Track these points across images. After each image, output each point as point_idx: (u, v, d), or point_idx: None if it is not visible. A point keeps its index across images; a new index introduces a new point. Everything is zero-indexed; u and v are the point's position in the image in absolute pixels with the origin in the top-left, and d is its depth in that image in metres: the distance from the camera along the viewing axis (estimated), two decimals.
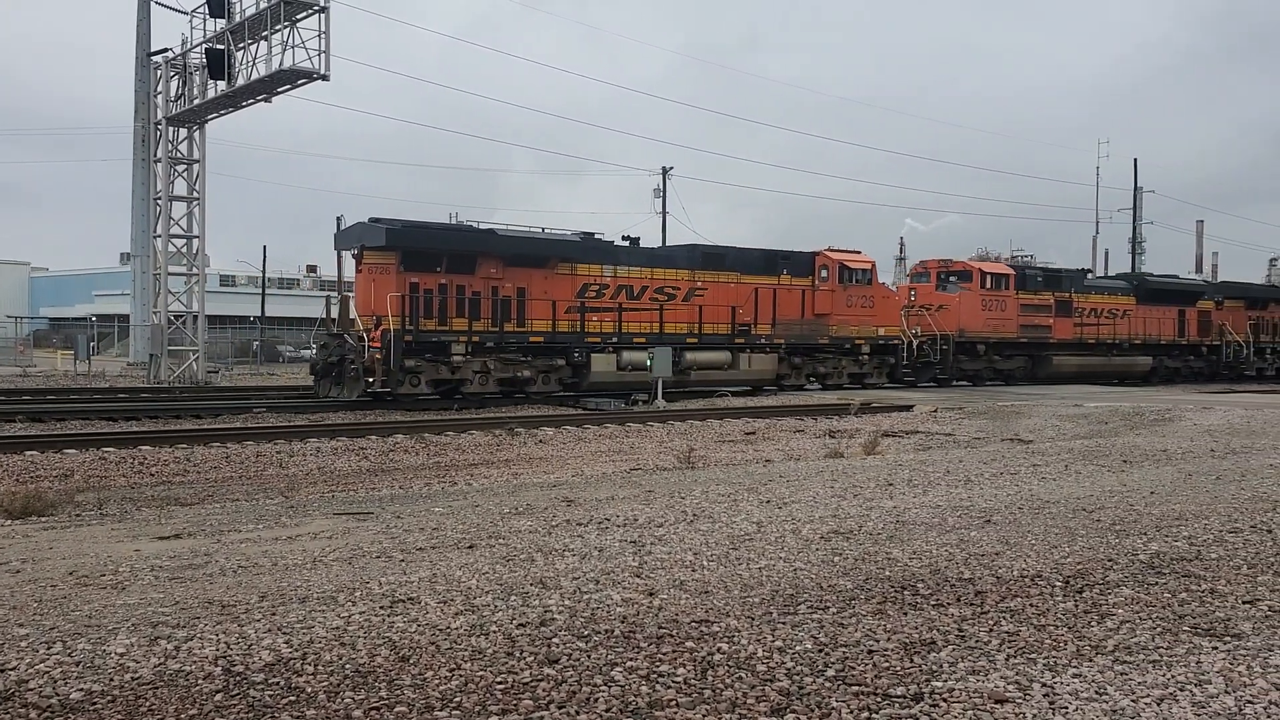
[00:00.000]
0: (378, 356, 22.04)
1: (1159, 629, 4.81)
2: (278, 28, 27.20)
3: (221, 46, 28.37)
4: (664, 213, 55.87)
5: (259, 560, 6.52)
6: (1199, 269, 71.43)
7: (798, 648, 4.48)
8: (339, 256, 25.58)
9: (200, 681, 4.02)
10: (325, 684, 4.01)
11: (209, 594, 5.49)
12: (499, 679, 4.07)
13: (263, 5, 27.31)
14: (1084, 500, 8.66)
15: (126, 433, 17.16)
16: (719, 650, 4.44)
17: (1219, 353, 40.54)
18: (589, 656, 4.34)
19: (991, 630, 4.77)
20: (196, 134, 31.36)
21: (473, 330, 23.59)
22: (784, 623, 4.87)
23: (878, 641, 4.58)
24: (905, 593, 5.45)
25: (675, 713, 3.76)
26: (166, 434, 16.85)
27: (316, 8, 26.53)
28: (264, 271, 64.60)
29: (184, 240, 32.02)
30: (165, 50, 32.19)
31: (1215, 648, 4.53)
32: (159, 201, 31.69)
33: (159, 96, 31.80)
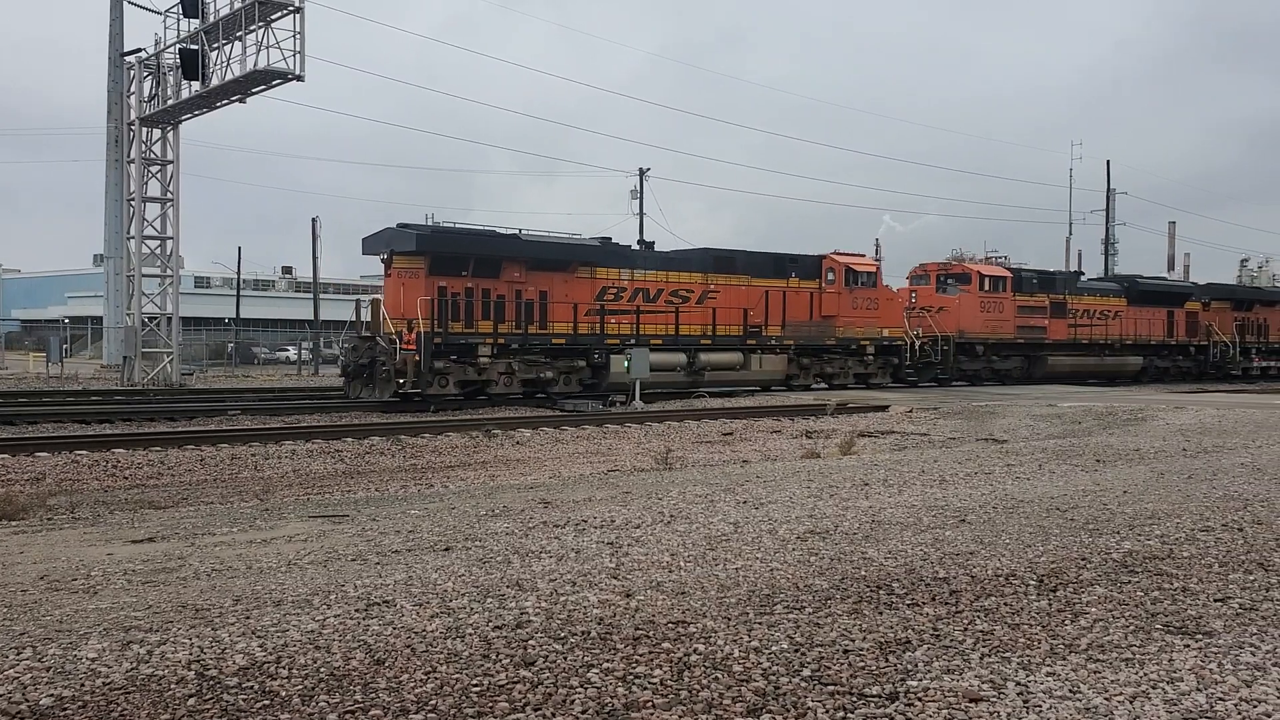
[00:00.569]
0: (415, 359, 22.45)
1: (1132, 627, 4.85)
2: (252, 28, 27.07)
3: (195, 47, 28.21)
4: (641, 214, 55.88)
5: (233, 563, 6.48)
6: (1171, 269, 72.05)
7: (774, 648, 4.49)
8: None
9: (173, 686, 3.99)
10: (300, 687, 3.99)
11: (182, 598, 5.45)
12: (475, 681, 4.05)
13: (237, 5, 27.16)
14: (1058, 499, 8.71)
15: (99, 436, 17.02)
16: (695, 651, 4.44)
17: (1206, 353, 41.33)
18: (565, 658, 4.33)
19: (966, 629, 4.80)
20: (170, 135, 31.15)
21: (498, 332, 24.15)
22: (760, 623, 4.88)
23: (853, 641, 4.60)
24: (881, 592, 5.47)
25: (651, 714, 3.76)
26: (140, 437, 16.72)
27: (291, 8, 26.40)
28: (239, 273, 64.22)
29: (158, 242, 31.79)
30: (138, 50, 31.96)
31: (1187, 645, 4.56)
32: (132, 202, 31.45)
33: (132, 97, 31.57)
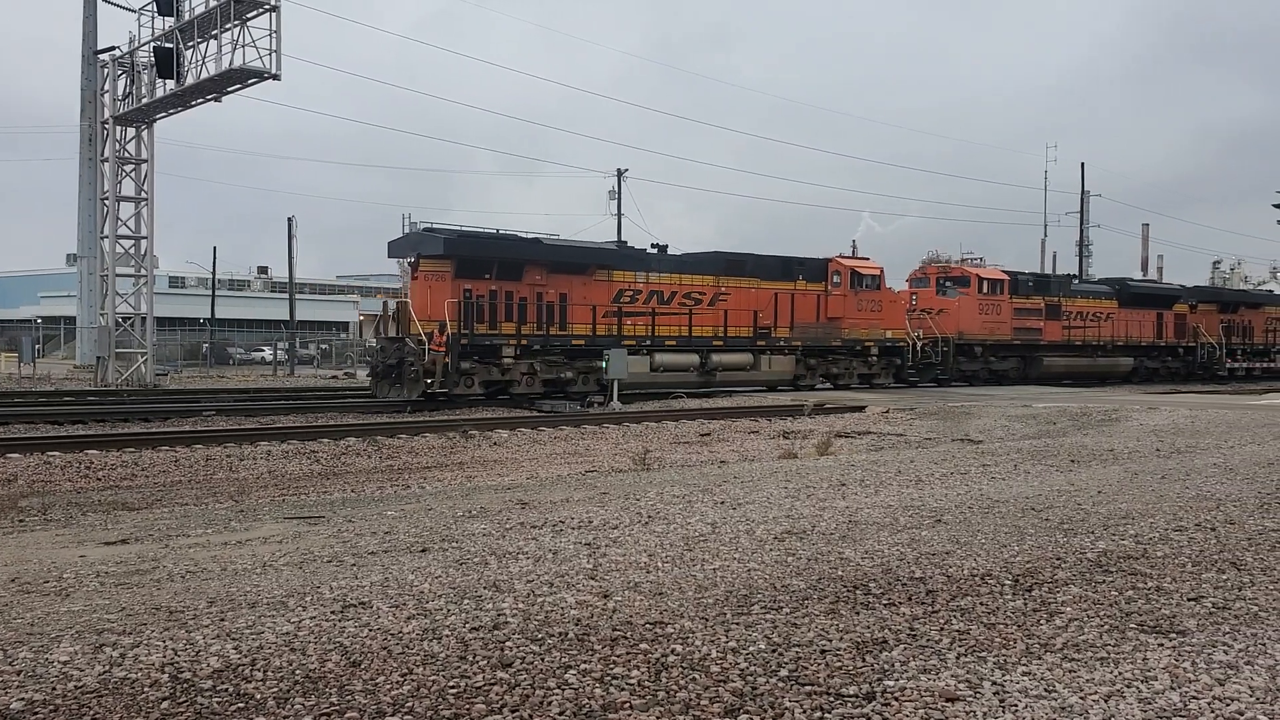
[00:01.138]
0: (444, 360, 23.20)
1: (1106, 626, 4.88)
2: (228, 26, 26.90)
3: (170, 45, 28.01)
4: (619, 214, 55.93)
5: (208, 565, 6.43)
6: (1144, 271, 72.64)
7: (751, 648, 4.49)
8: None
9: (146, 689, 3.96)
10: (275, 690, 3.96)
11: (156, 600, 5.41)
12: (451, 683, 4.04)
13: (212, 3, 26.99)
14: (1033, 499, 8.76)
15: (72, 436, 16.87)
16: (673, 651, 4.44)
17: (1194, 354, 42.21)
18: (543, 659, 4.32)
19: (942, 629, 4.81)
20: (145, 133, 30.92)
21: (521, 334, 24.86)
22: (738, 623, 4.88)
23: (830, 641, 4.60)
24: (858, 592, 5.48)
25: (629, 715, 3.75)
26: (114, 438, 16.60)
27: (267, 6, 26.26)
28: (214, 273, 63.80)
29: (132, 241, 31.55)
30: (112, 48, 31.74)
31: (1161, 645, 4.59)
32: (106, 202, 31.21)
33: (106, 95, 31.32)
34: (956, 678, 4.13)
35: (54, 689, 3.96)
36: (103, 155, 31.40)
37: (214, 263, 63.23)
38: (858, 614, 5.06)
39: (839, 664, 4.30)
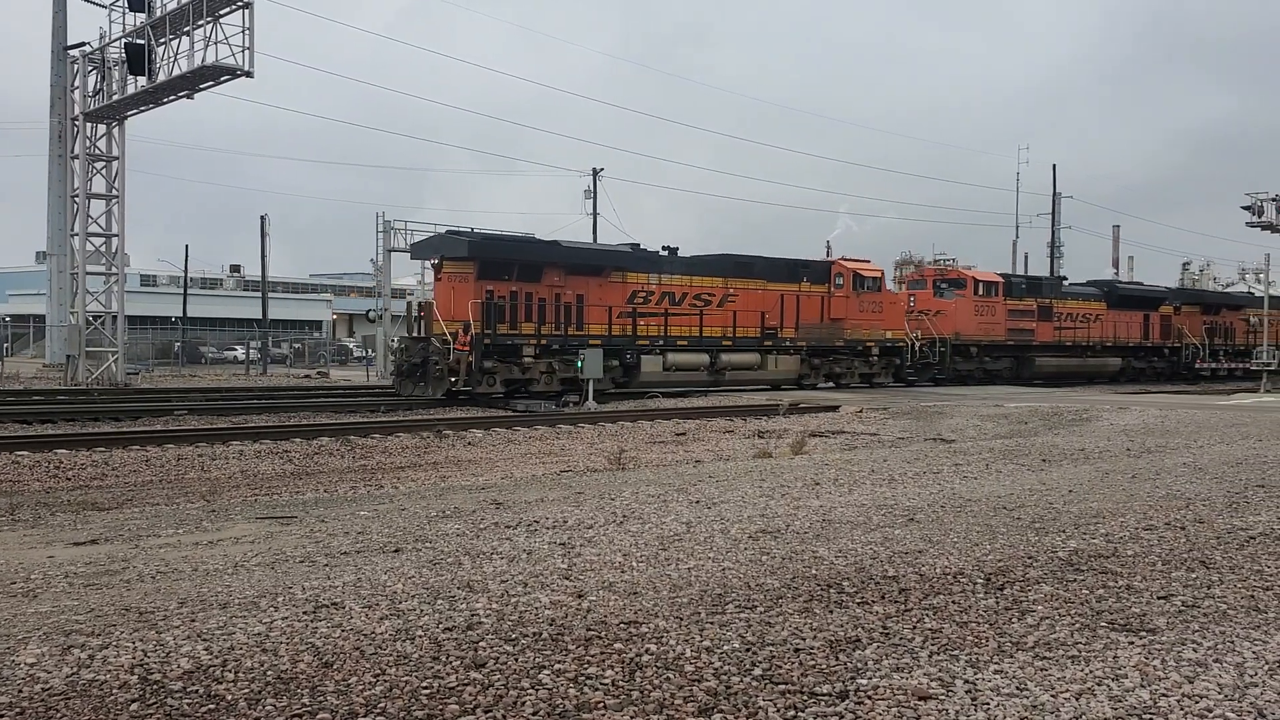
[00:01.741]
0: (468, 359, 23.89)
1: (1077, 625, 4.91)
2: (200, 23, 26.67)
3: (141, 41, 27.74)
4: (594, 214, 55.84)
5: (179, 566, 6.38)
6: (1116, 272, 73.15)
7: (725, 647, 4.50)
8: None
9: (115, 691, 3.92)
10: (246, 691, 3.93)
11: (126, 601, 5.36)
12: (424, 684, 4.02)
13: (184, 0, 26.75)
14: (1005, 499, 8.82)
15: (41, 436, 16.70)
16: (647, 651, 4.44)
17: (1179, 354, 43.14)
18: (516, 660, 4.31)
19: (915, 627, 4.83)
20: (115, 130, 30.62)
21: (540, 334, 25.56)
22: (712, 622, 4.88)
23: (804, 640, 4.62)
24: (831, 591, 5.50)
25: (603, 715, 3.75)
26: (84, 437, 16.44)
27: (240, 3, 26.06)
28: (186, 271, 63.30)
29: (103, 239, 31.24)
30: (83, 44, 31.38)
31: (1131, 643, 4.63)
32: (76, 199, 30.88)
33: (76, 91, 30.98)
34: (929, 676, 4.15)
35: (20, 691, 3.91)
36: (73, 152, 31.07)
37: (186, 261, 62.75)
38: (831, 613, 5.08)
39: (813, 663, 4.31)
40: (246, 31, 26.08)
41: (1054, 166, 69.74)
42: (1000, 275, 37.88)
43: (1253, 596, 5.46)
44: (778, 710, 3.78)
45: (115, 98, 29.45)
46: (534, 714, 3.74)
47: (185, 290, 62.53)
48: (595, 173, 56.30)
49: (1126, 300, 42.02)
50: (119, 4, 29.02)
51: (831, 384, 31.65)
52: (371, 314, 43.89)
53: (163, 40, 27.70)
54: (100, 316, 31.41)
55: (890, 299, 33.76)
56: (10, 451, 14.52)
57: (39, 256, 62.30)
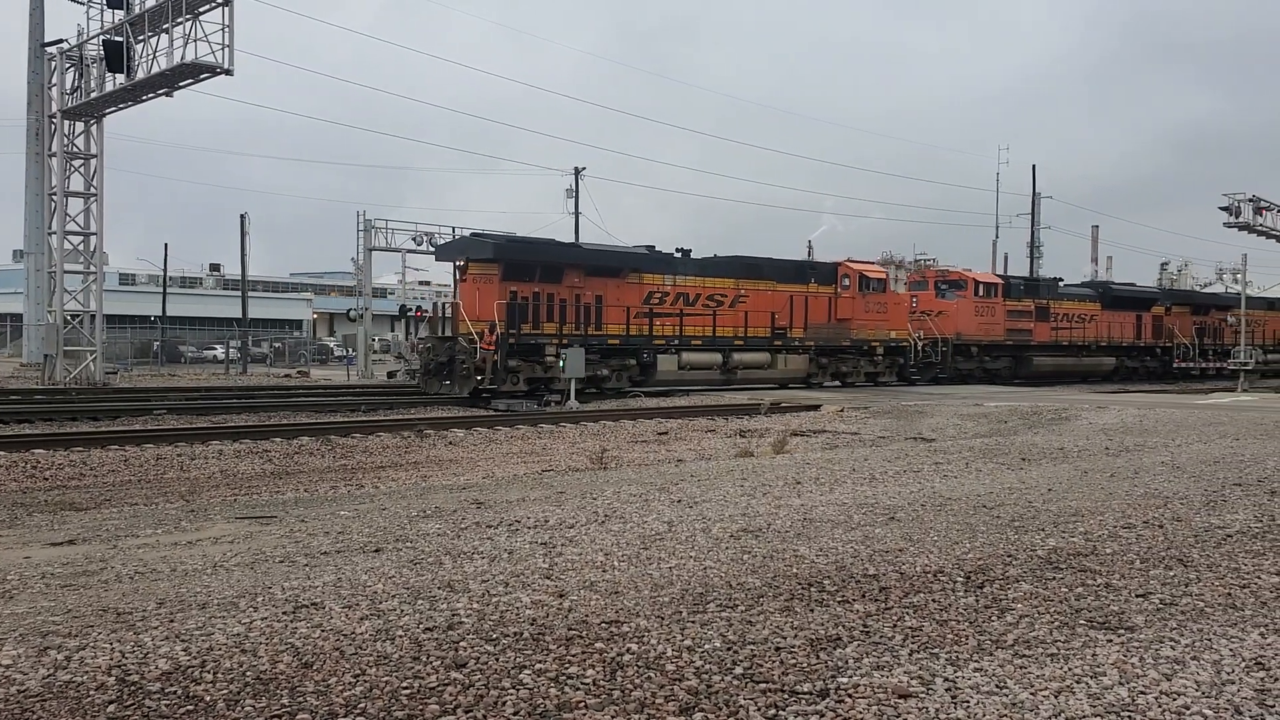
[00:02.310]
0: (494, 358, 24.47)
1: (1056, 623, 4.93)
2: (179, 20, 26.49)
3: (120, 38, 27.55)
4: (576, 213, 55.80)
5: (157, 566, 6.34)
6: (1095, 273, 73.61)
7: (707, 646, 4.50)
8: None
9: (92, 692, 3.89)
10: (225, 692, 3.91)
11: (104, 601, 5.32)
12: (405, 684, 4.01)
13: None
14: (984, 497, 8.85)
15: (18, 436, 16.57)
16: (628, 650, 4.44)
17: (1170, 354, 43.79)
18: (497, 660, 4.30)
19: (895, 626, 4.85)
20: (94, 128, 30.42)
21: (562, 333, 26.02)
22: (693, 621, 4.89)
23: (785, 639, 4.62)
24: (812, 590, 5.51)
25: (584, 714, 3.74)
26: (61, 437, 16.32)
27: (219, 1, 25.91)
28: (165, 270, 62.92)
29: (81, 237, 31.02)
30: (60, 41, 31.14)
31: (1110, 640, 4.65)
32: (54, 197, 30.66)
33: (54, 89, 30.77)
34: (909, 674, 4.16)
35: None
36: (50, 150, 30.85)
37: (165, 259, 62.36)
38: (812, 611, 5.09)
39: (794, 661, 4.32)
40: (226, 29, 25.94)
41: (1033, 167, 69.96)
42: (1000, 276, 38.84)
43: (1230, 594, 5.50)
44: (759, 709, 3.79)
45: (93, 95, 29.26)
46: (515, 714, 3.74)
47: (164, 289, 62.13)
48: (577, 171, 56.29)
49: (1120, 301, 42.83)
50: (97, 1, 28.81)
51: (838, 383, 32.38)
52: (352, 313, 43.80)
53: (141, 37, 27.52)
54: (78, 315, 31.20)
55: (894, 300, 34.40)
56: None
57: (16, 255, 61.84)
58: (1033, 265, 64.62)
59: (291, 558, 6.52)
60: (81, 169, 30.70)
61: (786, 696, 3.91)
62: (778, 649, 4.47)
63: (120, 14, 28.02)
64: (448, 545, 6.85)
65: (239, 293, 56.93)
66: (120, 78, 28.00)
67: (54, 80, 30.75)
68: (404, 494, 10.34)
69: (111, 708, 3.75)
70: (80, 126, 30.47)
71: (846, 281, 32.47)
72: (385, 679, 4.06)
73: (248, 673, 4.12)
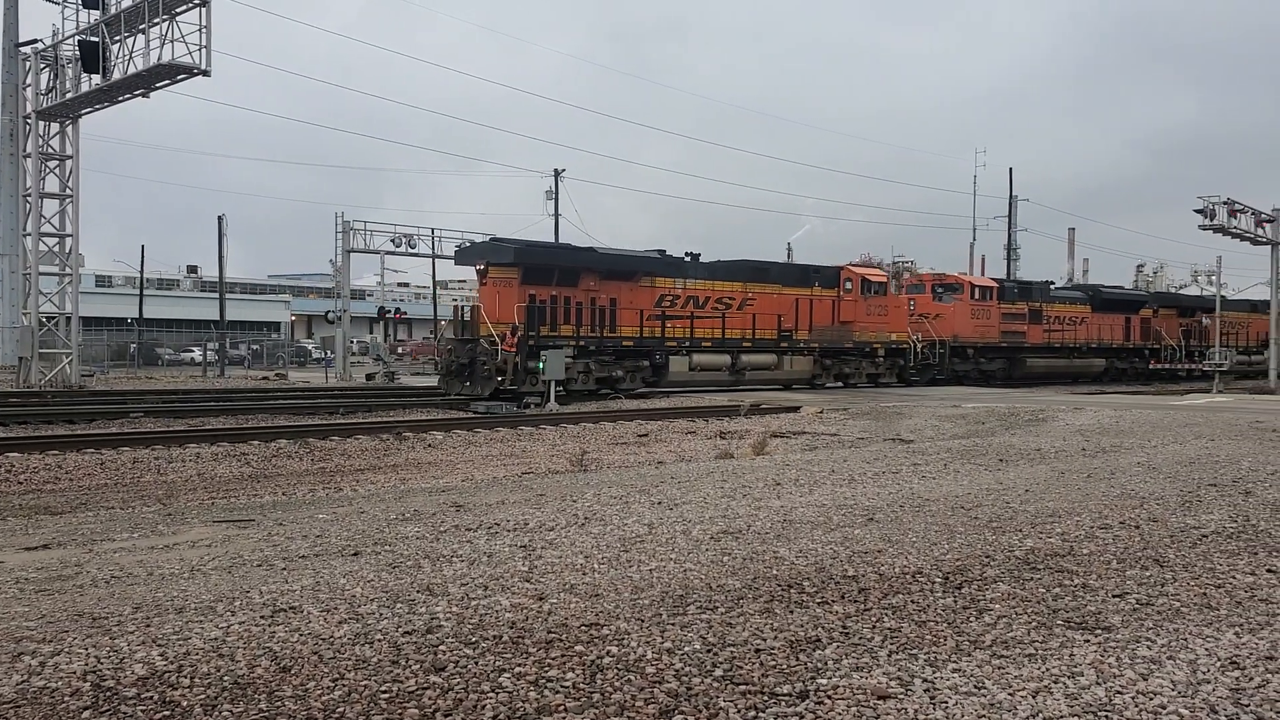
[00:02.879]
0: (515, 359, 25.06)
1: (1034, 623, 4.96)
2: (156, 20, 26.28)
3: (96, 39, 27.33)
4: (556, 215, 55.77)
5: (134, 570, 6.30)
6: (1071, 276, 74.05)
7: (687, 648, 4.50)
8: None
9: (67, 698, 3.86)
10: (202, 697, 3.88)
11: (79, 606, 5.28)
12: (384, 688, 3.99)
13: None
14: (962, 498, 8.89)
15: None
16: (608, 653, 4.43)
17: (1158, 355, 44.89)
18: (476, 663, 4.29)
19: (874, 627, 4.86)
20: (69, 129, 30.14)
21: (579, 335, 26.81)
22: (673, 624, 4.89)
23: (765, 640, 4.63)
24: (792, 591, 5.51)
25: (563, 717, 3.74)
26: (36, 440, 16.17)
27: (196, 1, 25.75)
28: (141, 272, 62.52)
29: (56, 239, 30.72)
30: (35, 41, 30.84)
31: (1087, 640, 4.68)
32: (29, 199, 30.34)
33: (28, 89, 30.43)
34: (888, 675, 4.18)
35: None
36: (25, 151, 30.53)
37: (142, 261, 62.02)
38: (792, 613, 5.10)
39: (773, 663, 4.32)
40: (203, 30, 25.77)
41: (1010, 170, 70.73)
42: (994, 280, 39.73)
43: (1205, 594, 5.54)
44: (738, 711, 3.79)
45: (69, 96, 28.99)
46: (494, 717, 3.73)
47: (141, 291, 61.75)
48: (557, 173, 56.25)
49: (1109, 304, 43.82)
50: (72, 1, 28.58)
51: (840, 383, 33.21)
52: (330, 315, 43.59)
53: (117, 38, 27.30)
54: (54, 318, 30.91)
55: (894, 303, 35.50)
56: None
57: None
58: (1009, 267, 64.99)
59: (269, 561, 6.49)
60: (57, 170, 30.43)
61: (766, 698, 3.92)
62: (757, 651, 4.48)
63: (96, 14, 27.78)
64: (427, 548, 6.83)
65: (216, 295, 56.63)
66: (96, 78, 27.74)
67: (28, 81, 30.44)
68: (382, 497, 10.31)
69: (87, 714, 3.72)
70: (55, 127, 30.20)
71: (849, 285, 33.40)
72: (364, 683, 4.04)
73: (225, 677, 4.09)
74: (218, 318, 54.44)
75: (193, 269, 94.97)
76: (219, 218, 53.32)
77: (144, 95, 28.34)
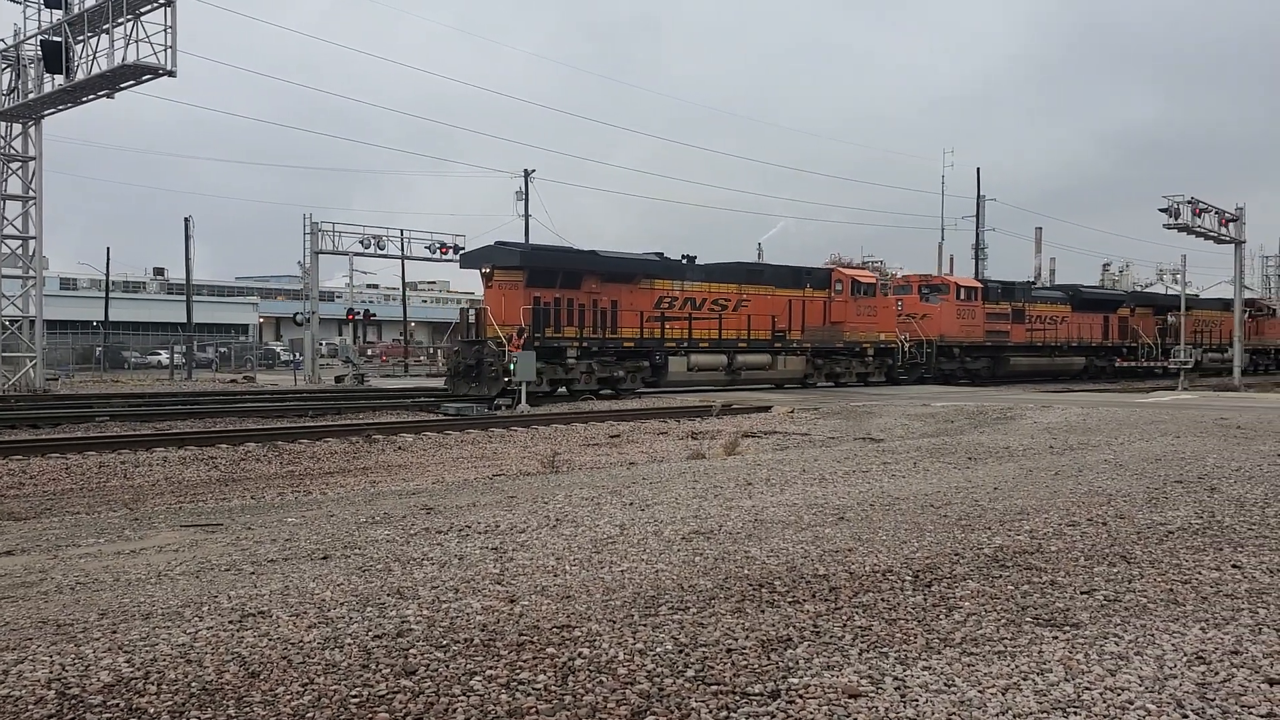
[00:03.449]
0: None
1: (1003, 620, 4.99)
2: (120, 20, 26.02)
3: (59, 39, 27.02)
4: (526, 215, 55.62)
5: (100, 576, 6.23)
6: (1038, 275, 74.61)
7: (658, 649, 4.50)
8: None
9: (31, 707, 3.81)
10: (169, 704, 3.84)
11: (43, 613, 5.21)
12: (354, 692, 3.97)
13: None
14: (932, 496, 8.94)
15: None
16: (580, 655, 4.42)
17: (1135, 353, 45.89)
18: (447, 666, 4.27)
19: (845, 625, 4.88)
20: (32, 130, 29.80)
21: (582, 337, 27.42)
22: (645, 624, 4.88)
23: (736, 640, 4.63)
24: (763, 591, 5.52)
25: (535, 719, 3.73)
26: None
27: (160, 1, 25.51)
28: (107, 274, 61.88)
29: (19, 241, 30.35)
30: None
31: (1055, 637, 4.72)
32: None
33: None
34: (859, 674, 4.19)
35: None
36: None
37: (107, 263, 61.40)
38: (763, 612, 5.11)
39: (745, 663, 4.33)
40: (168, 30, 25.53)
41: (978, 170, 71.30)
42: (979, 280, 41.01)
43: (1171, 590, 5.60)
44: (710, 711, 3.79)
45: (31, 96, 28.65)
46: None
47: (107, 293, 61.13)
48: (527, 174, 56.11)
49: (1088, 303, 44.91)
50: (34, 1, 28.24)
51: (831, 383, 33.90)
52: (299, 317, 43.27)
53: (81, 38, 27.00)
54: (17, 321, 30.54)
55: (883, 303, 35.96)
56: None
57: None
58: (978, 267, 65.38)
59: (238, 566, 6.44)
60: (19, 171, 30.06)
61: (738, 698, 3.92)
62: (729, 650, 4.48)
63: (59, 14, 27.46)
64: (397, 551, 6.79)
65: (184, 297, 56.13)
66: (59, 79, 27.43)
67: None
68: (352, 500, 10.24)
69: None
70: (18, 128, 29.84)
71: (839, 286, 34.14)
72: (334, 687, 4.02)
73: (193, 683, 4.05)
74: (185, 320, 53.95)
75: (159, 271, 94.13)
76: (186, 219, 52.86)
77: (108, 96, 28.06)
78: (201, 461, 15.15)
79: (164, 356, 57.34)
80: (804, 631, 4.78)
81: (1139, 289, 67.32)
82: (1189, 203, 37.34)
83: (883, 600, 5.35)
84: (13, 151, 29.83)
